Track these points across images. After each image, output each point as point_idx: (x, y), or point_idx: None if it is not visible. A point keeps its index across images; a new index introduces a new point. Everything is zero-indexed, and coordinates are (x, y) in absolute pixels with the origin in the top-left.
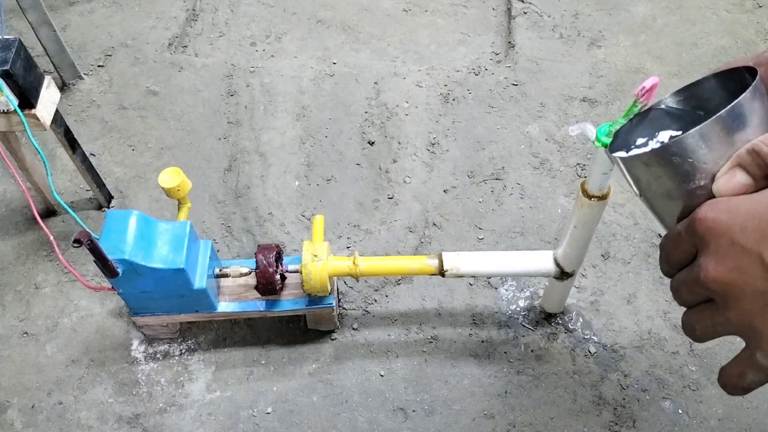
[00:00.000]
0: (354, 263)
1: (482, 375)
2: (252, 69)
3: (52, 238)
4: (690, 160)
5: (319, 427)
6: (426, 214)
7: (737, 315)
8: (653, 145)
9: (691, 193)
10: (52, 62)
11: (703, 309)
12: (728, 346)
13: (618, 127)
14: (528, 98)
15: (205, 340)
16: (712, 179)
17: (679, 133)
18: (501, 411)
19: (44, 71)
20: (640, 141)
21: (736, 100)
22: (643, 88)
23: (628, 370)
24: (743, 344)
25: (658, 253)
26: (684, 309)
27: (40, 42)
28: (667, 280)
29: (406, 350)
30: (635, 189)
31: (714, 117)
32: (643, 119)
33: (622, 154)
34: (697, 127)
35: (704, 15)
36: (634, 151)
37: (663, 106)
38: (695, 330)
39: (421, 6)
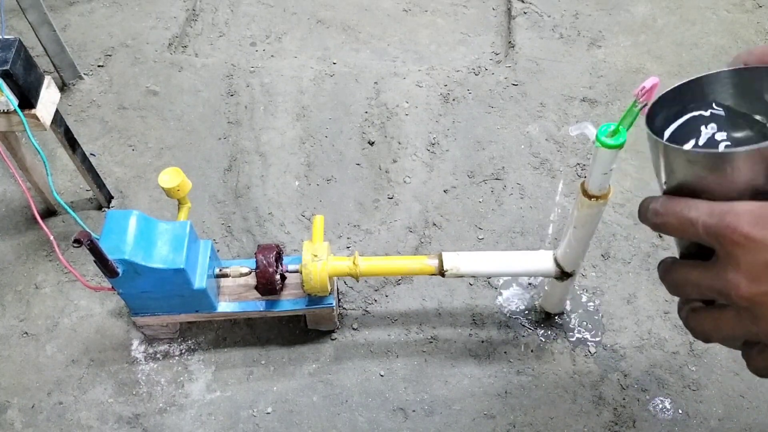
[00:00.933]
0: (354, 263)
1: (482, 375)
2: (252, 69)
3: (52, 238)
4: (741, 172)
5: (319, 427)
6: (426, 214)
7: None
8: (676, 135)
9: (728, 199)
10: (52, 62)
11: (721, 316)
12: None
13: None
14: (528, 98)
15: (205, 340)
16: (756, 193)
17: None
18: (501, 411)
19: (44, 71)
20: (677, 125)
21: None
22: (643, 88)
23: (628, 370)
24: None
25: (647, 212)
26: (678, 301)
27: (40, 42)
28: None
29: (406, 350)
30: (663, 176)
31: None
32: (683, 94)
33: (684, 142)
34: (764, 145)
35: (704, 15)
36: (667, 139)
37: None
38: (710, 336)
39: (421, 6)
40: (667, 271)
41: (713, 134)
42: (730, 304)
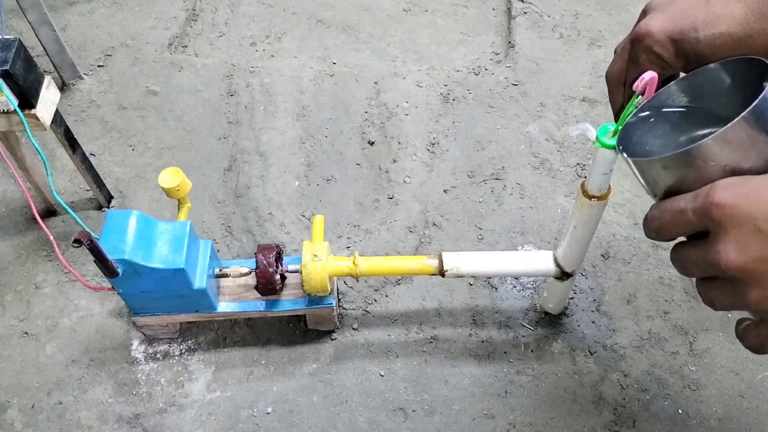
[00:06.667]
0: (354, 263)
1: (482, 375)
2: (252, 69)
3: (52, 238)
4: (712, 162)
5: (319, 427)
6: (426, 214)
7: (759, 300)
8: (659, 146)
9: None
10: (52, 62)
11: (722, 287)
12: (728, 346)
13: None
14: (528, 98)
15: (205, 340)
16: (732, 173)
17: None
18: (501, 411)
19: (44, 71)
20: (645, 140)
21: (757, 99)
22: (643, 79)
23: (628, 370)
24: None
25: (647, 222)
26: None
27: (40, 42)
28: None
29: (406, 350)
30: (649, 189)
31: (737, 119)
32: (645, 114)
33: (648, 156)
34: (721, 131)
35: None
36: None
37: (663, 101)
38: (715, 304)
39: (421, 6)
40: (673, 251)
41: (675, 137)
42: (724, 277)
